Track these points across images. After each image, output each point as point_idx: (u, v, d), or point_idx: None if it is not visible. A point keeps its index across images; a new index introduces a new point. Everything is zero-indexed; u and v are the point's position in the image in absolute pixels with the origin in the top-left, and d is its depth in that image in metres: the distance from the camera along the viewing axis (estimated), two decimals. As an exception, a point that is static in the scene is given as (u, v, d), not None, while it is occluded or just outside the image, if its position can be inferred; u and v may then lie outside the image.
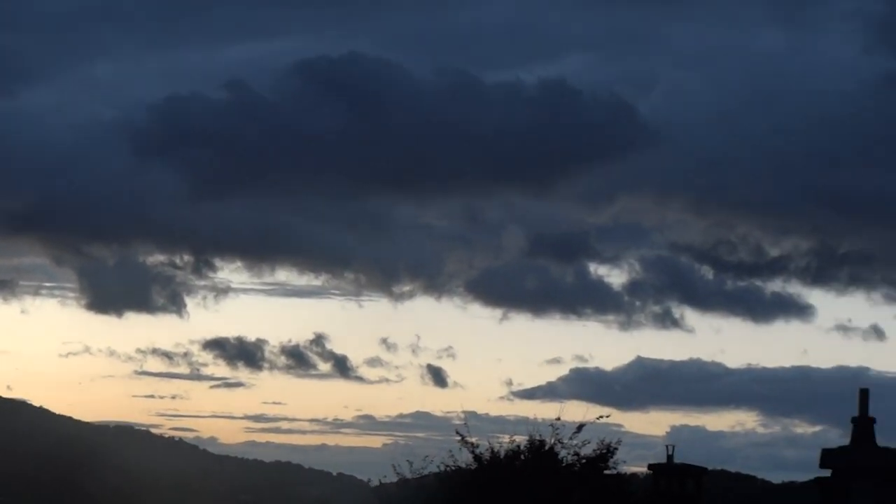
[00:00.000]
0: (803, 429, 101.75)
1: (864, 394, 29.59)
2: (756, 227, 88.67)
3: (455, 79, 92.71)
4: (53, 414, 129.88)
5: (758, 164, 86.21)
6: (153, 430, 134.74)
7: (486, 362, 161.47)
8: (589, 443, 30.52)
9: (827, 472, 30.21)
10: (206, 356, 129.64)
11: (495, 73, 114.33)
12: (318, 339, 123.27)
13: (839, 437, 32.63)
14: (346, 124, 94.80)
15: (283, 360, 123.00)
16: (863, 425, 29.83)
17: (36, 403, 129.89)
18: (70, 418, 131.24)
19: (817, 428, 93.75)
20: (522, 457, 29.79)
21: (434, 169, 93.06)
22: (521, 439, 30.31)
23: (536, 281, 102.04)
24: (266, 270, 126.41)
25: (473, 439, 30.72)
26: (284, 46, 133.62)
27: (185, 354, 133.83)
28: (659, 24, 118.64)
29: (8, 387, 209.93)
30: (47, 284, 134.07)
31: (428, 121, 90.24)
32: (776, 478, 69.05)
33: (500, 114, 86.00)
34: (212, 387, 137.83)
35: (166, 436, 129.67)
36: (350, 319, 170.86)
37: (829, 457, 30.14)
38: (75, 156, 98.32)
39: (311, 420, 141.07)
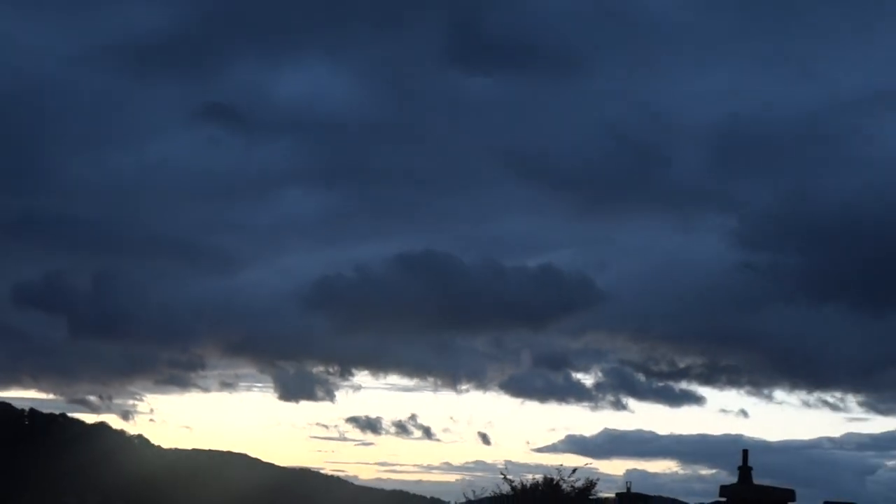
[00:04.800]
0: (706, 472, 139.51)
1: (745, 452, 45.57)
2: (670, 351, 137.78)
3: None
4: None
5: (669, 315, 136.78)
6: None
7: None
8: (579, 480, 47.10)
9: (723, 500, 45.74)
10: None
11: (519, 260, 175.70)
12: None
13: (728, 477, 45.31)
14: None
15: None
16: (744, 471, 45.22)
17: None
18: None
19: (714, 471, 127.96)
20: (539, 488, 46.21)
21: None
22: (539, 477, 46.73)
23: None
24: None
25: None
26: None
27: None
28: (609, 230, 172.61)
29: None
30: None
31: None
32: (692, 501, 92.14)
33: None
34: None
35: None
36: None
37: (724, 490, 44.55)
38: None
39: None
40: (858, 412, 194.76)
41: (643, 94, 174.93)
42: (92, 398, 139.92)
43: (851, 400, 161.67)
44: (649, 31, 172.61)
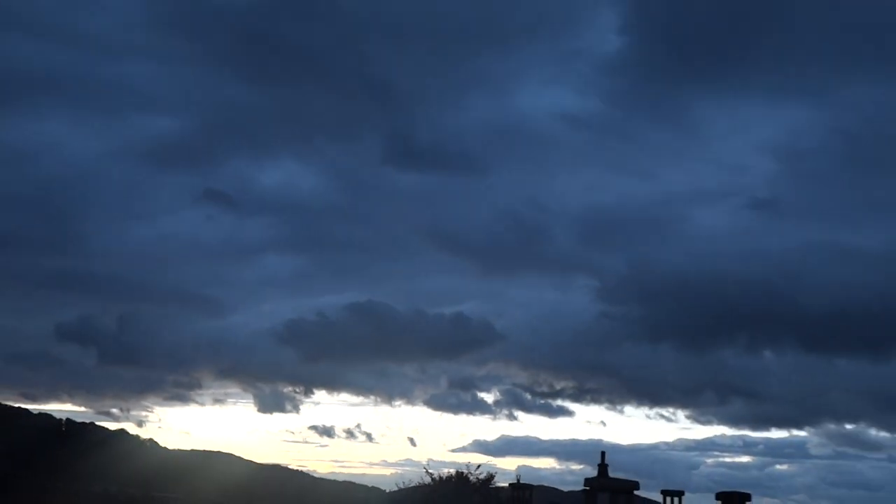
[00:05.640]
0: (576, 467, 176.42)
1: (603, 453, 61.41)
2: (549, 377, 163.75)
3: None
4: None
5: (549, 351, 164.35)
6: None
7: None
8: (482, 473, 61.90)
9: (587, 488, 60.63)
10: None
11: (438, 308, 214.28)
12: None
13: (592, 471, 61.34)
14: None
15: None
16: (603, 467, 61.30)
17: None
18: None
19: (582, 467, 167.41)
20: (453, 479, 61.11)
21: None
22: (452, 471, 61.59)
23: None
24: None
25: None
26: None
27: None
28: (505, 287, 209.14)
29: None
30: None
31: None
32: (565, 489, 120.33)
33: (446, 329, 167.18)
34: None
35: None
36: None
37: (588, 481, 60.05)
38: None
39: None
40: (686, 423, 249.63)
41: (530, 187, 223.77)
42: (114, 410, 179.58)
43: (680, 414, 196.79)
44: (534, 142, 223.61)
